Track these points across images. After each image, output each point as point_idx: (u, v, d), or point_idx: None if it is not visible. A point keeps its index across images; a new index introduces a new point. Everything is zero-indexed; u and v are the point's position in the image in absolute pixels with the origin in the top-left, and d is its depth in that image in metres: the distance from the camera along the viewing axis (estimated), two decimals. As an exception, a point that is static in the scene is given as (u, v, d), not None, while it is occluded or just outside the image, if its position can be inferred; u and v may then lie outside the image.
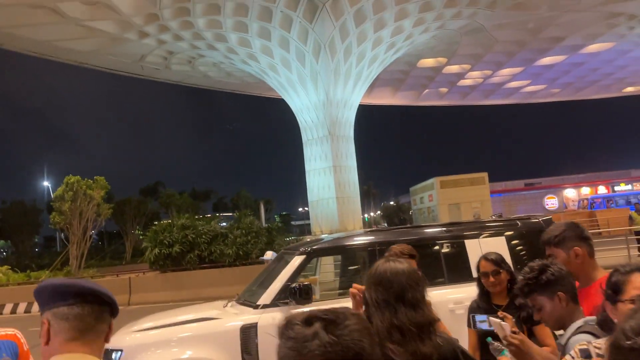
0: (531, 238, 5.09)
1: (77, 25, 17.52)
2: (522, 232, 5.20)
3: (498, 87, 30.66)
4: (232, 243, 16.51)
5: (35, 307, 13.93)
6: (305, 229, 49.27)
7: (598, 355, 1.59)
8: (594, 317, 1.88)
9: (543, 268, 2.04)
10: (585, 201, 38.13)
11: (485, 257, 3.24)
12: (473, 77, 28.29)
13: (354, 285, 2.42)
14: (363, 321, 0.96)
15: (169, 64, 22.06)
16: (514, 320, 2.64)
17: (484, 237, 5.13)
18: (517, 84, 30.40)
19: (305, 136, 20.79)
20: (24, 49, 19.39)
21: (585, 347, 1.66)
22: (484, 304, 3.22)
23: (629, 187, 41.73)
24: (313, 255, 5.16)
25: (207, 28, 18.36)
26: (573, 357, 1.67)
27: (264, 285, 5.02)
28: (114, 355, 4.40)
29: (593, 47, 24.36)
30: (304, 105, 20.20)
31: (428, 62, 25.23)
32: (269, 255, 7.83)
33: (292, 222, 69.35)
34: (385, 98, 30.60)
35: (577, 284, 2.14)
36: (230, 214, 45.40)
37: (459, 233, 5.21)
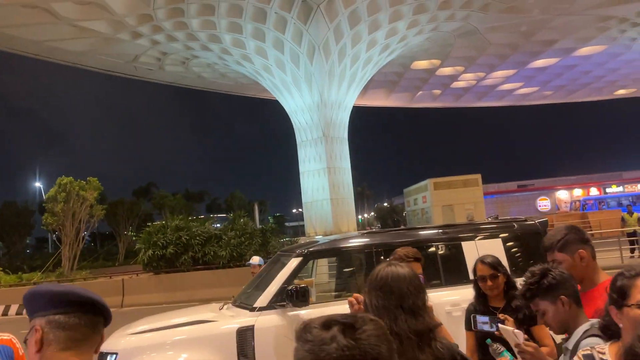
0: (527, 240, 5.12)
1: (69, 26, 17.39)
2: (518, 234, 5.23)
3: (491, 89, 30.82)
4: (226, 244, 16.44)
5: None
6: (299, 231, 49.27)
7: (602, 359, 1.59)
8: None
9: (544, 272, 2.03)
10: (578, 203, 38.46)
11: (482, 261, 3.22)
12: (466, 79, 28.42)
13: (354, 295, 2.42)
14: (381, 327, 0.96)
15: (162, 65, 21.97)
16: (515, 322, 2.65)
17: (480, 239, 5.14)
18: (510, 86, 30.58)
19: (299, 137, 20.79)
20: (16, 48, 19.22)
21: (588, 352, 1.66)
22: (481, 307, 3.22)
23: (620, 189, 42.15)
24: (310, 257, 5.14)
25: (201, 29, 18.29)
26: None
27: (260, 288, 4.99)
28: (108, 359, 4.36)
29: (585, 50, 24.57)
30: (298, 106, 20.19)
31: (422, 64, 25.31)
32: (256, 260, 7.80)
33: (286, 224, 69.29)
34: (379, 100, 30.66)
35: (578, 287, 2.14)
36: (224, 215, 45.25)
37: (455, 235, 5.22)
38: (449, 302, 4.66)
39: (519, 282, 2.39)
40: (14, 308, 14.96)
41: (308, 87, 19.25)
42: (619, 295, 1.61)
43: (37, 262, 27.49)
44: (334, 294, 6.07)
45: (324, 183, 19.57)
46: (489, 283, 3.14)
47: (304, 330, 0.94)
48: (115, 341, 4.52)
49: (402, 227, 25.04)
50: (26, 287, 15.36)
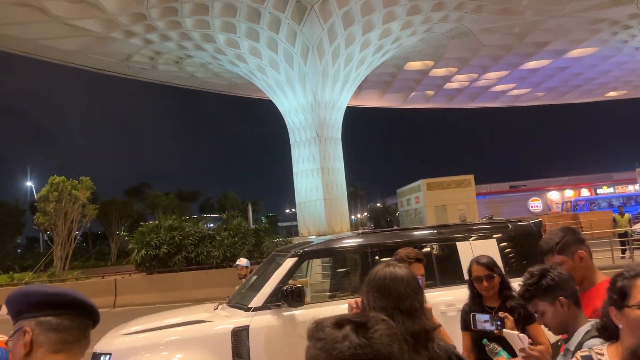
0: (521, 240, 5.16)
1: (62, 24, 17.25)
2: (512, 234, 5.26)
3: (484, 91, 30.98)
4: (220, 245, 16.39)
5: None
6: (293, 231, 49.17)
7: None
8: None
9: (543, 273, 2.03)
10: (569, 204, 38.76)
11: (477, 262, 3.23)
12: (459, 80, 28.55)
13: (355, 300, 2.43)
14: (393, 327, 0.97)
15: (156, 64, 21.86)
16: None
17: (475, 240, 5.17)
18: (502, 88, 30.75)
19: (293, 138, 20.77)
20: (7, 47, 19.04)
21: (587, 353, 1.66)
22: (476, 307, 3.22)
23: (611, 190, 42.53)
24: (305, 257, 5.14)
25: (194, 28, 18.23)
26: None
27: (255, 288, 4.97)
28: (102, 359, 4.33)
29: (577, 52, 24.76)
30: (291, 106, 20.18)
31: (415, 65, 25.39)
32: (243, 262, 7.75)
33: (279, 224, 69.15)
34: (373, 100, 30.71)
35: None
36: (217, 215, 45.10)
37: (450, 235, 5.24)
38: (443, 302, 4.67)
39: (516, 283, 2.39)
40: (4, 308, 14.80)
41: (302, 88, 19.25)
42: (620, 296, 1.61)
43: (28, 261, 27.23)
44: (328, 294, 6.06)
45: (318, 183, 19.58)
46: (485, 284, 3.15)
47: (317, 329, 0.94)
48: (109, 341, 4.48)
49: (396, 227, 25.11)
50: (18, 287, 15.22)
